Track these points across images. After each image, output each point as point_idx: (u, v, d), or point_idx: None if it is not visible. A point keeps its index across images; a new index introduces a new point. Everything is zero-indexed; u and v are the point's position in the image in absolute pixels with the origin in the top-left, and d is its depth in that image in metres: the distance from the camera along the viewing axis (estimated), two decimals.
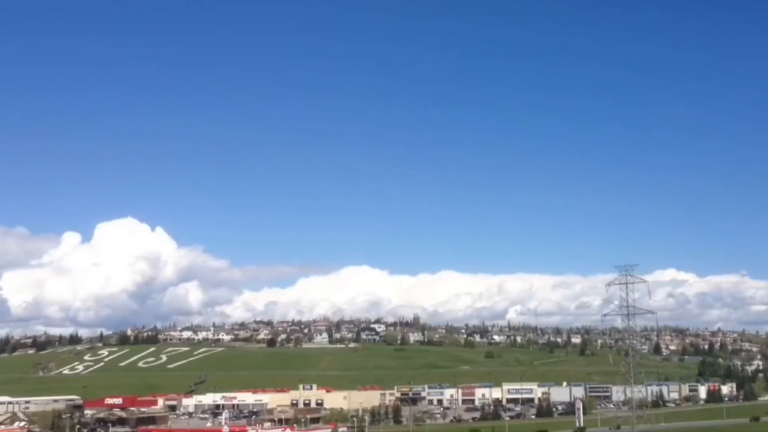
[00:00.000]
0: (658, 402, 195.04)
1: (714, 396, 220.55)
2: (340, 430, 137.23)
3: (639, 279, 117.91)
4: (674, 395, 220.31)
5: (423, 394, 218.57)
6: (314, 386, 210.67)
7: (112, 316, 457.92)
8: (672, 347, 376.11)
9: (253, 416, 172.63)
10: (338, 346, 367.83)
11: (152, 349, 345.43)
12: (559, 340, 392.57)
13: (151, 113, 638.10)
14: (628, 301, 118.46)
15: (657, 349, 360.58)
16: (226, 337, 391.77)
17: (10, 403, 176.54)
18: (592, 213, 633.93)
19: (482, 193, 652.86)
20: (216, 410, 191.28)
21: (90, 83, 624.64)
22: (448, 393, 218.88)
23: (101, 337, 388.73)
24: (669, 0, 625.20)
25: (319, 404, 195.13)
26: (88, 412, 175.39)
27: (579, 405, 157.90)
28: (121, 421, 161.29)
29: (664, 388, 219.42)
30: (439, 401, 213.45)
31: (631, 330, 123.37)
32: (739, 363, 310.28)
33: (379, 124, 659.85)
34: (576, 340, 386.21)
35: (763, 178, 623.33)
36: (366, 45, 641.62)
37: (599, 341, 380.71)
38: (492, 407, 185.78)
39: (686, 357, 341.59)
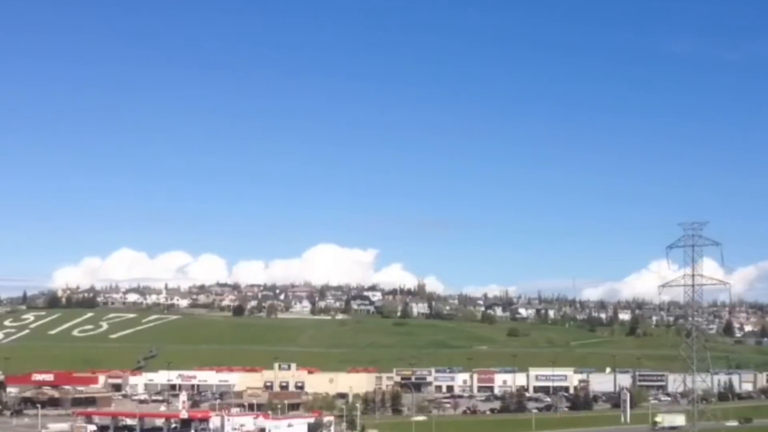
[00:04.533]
0: (727, 394, 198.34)
1: None
2: (326, 419, 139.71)
3: (710, 241, 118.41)
4: (748, 386, 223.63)
5: (429, 378, 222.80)
6: (293, 366, 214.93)
7: None
8: (748, 327, 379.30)
9: (218, 399, 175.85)
10: (322, 317, 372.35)
11: (90, 314, 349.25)
12: (603, 316, 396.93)
13: None
14: (694, 268, 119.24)
15: (728, 330, 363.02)
16: (183, 302, 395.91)
17: None
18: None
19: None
20: (171, 391, 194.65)
21: None
22: (461, 378, 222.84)
23: (24, 299, 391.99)
24: None
25: (299, 388, 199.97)
26: (11, 390, 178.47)
27: (626, 396, 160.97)
28: (52, 402, 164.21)
29: (735, 378, 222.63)
30: (450, 388, 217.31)
31: (696, 305, 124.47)
32: None
33: None
34: (625, 316, 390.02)
35: None
36: None
37: (654, 318, 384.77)
38: (515, 397, 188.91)
39: (765, 339, 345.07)
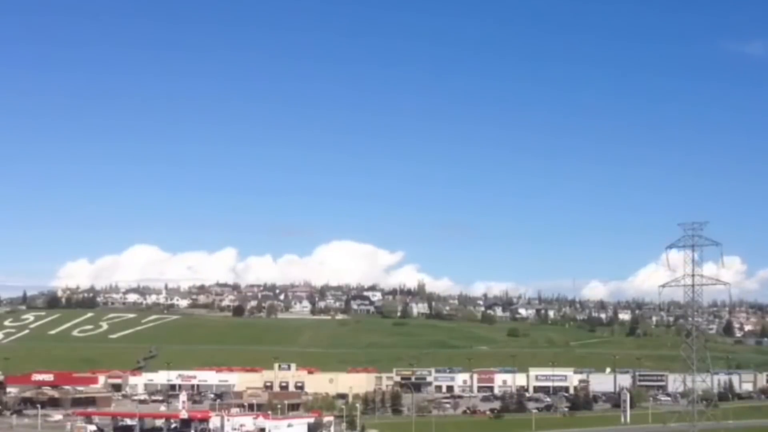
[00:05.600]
0: (727, 394, 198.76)
1: None
2: (326, 419, 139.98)
3: (710, 241, 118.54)
4: (748, 386, 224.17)
5: (429, 379, 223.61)
6: (293, 366, 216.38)
7: None
8: (748, 327, 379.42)
9: (218, 400, 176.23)
10: (322, 317, 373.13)
11: (89, 314, 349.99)
12: (603, 316, 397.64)
13: None
14: (694, 268, 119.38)
15: (728, 330, 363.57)
16: (183, 302, 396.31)
17: None
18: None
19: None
20: (171, 391, 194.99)
21: None
22: (461, 378, 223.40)
23: (24, 299, 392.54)
24: None
25: (299, 388, 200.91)
26: (11, 390, 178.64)
27: (626, 396, 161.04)
28: (52, 402, 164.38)
29: (735, 378, 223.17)
30: (449, 388, 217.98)
31: (695, 305, 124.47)
32: None
33: None
34: (625, 316, 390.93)
35: None
36: None
37: (654, 318, 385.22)
38: (515, 397, 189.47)
39: (765, 339, 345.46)
